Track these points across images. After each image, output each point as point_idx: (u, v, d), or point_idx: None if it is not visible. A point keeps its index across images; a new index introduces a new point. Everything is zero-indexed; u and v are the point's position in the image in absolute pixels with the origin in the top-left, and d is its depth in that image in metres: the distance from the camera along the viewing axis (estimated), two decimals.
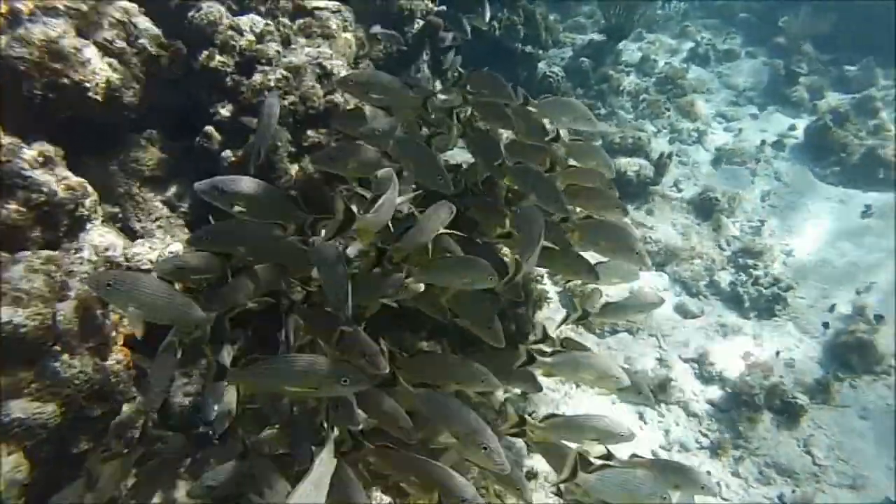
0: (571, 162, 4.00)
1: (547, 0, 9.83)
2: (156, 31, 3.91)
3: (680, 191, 7.40)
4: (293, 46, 4.35)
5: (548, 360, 3.32)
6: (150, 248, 3.68)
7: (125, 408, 3.27)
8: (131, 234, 3.80)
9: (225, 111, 4.03)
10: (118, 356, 3.20)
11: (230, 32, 4.06)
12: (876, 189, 7.55)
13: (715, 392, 5.29)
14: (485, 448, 2.53)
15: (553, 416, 3.38)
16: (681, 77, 9.44)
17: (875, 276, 6.36)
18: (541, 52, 8.37)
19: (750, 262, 6.45)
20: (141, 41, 3.80)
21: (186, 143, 4.01)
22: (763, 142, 8.37)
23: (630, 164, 6.85)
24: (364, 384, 2.45)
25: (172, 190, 4.05)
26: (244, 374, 2.46)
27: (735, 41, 10.85)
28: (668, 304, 6.08)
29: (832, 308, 6.07)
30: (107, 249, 3.42)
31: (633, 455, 3.33)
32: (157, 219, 3.98)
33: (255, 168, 3.28)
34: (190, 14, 4.11)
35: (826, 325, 5.87)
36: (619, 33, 9.29)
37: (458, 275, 3.00)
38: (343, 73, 4.43)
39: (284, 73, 4.05)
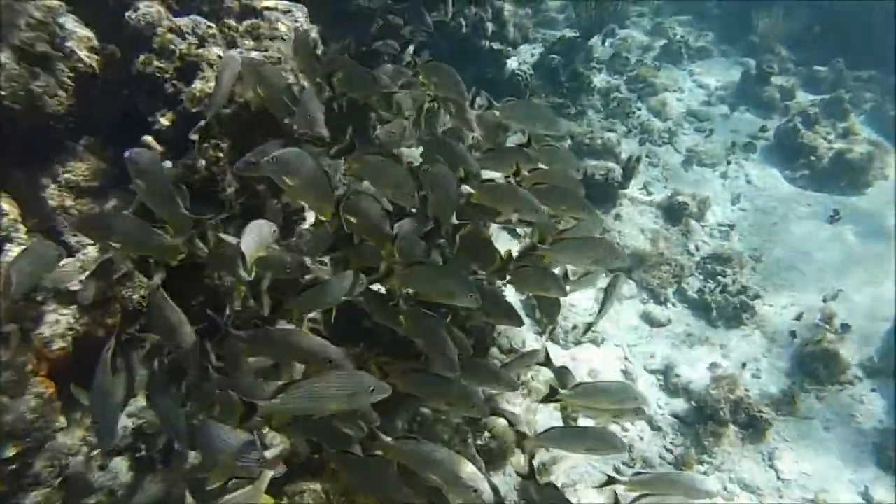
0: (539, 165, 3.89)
1: None
2: (86, 32, 3.64)
3: (649, 194, 7.28)
4: (239, 50, 4.10)
5: (568, 392, 3.31)
6: (82, 266, 3.45)
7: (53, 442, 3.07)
8: (67, 250, 3.55)
9: (164, 120, 3.79)
10: (39, 389, 2.98)
11: (169, 36, 3.81)
12: (844, 193, 7.52)
13: (680, 405, 5.21)
14: (475, 490, 2.56)
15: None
16: (652, 75, 9.31)
17: (842, 282, 6.32)
18: (509, 49, 8.17)
19: (718, 268, 6.36)
20: (68, 44, 3.53)
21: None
22: (734, 143, 8.29)
23: (598, 167, 6.71)
24: (386, 391, 2.46)
25: (112, 202, 3.80)
26: (278, 405, 2.38)
27: (708, 39, 10.75)
28: (634, 312, 5.98)
29: (799, 316, 6.01)
30: None
31: (637, 473, 3.58)
32: None
33: (206, 123, 3.13)
34: (127, 14, 3.85)
35: (793, 333, 5.81)
36: (591, 30, 9.12)
37: (439, 288, 2.97)
38: (291, 78, 4.21)
39: None
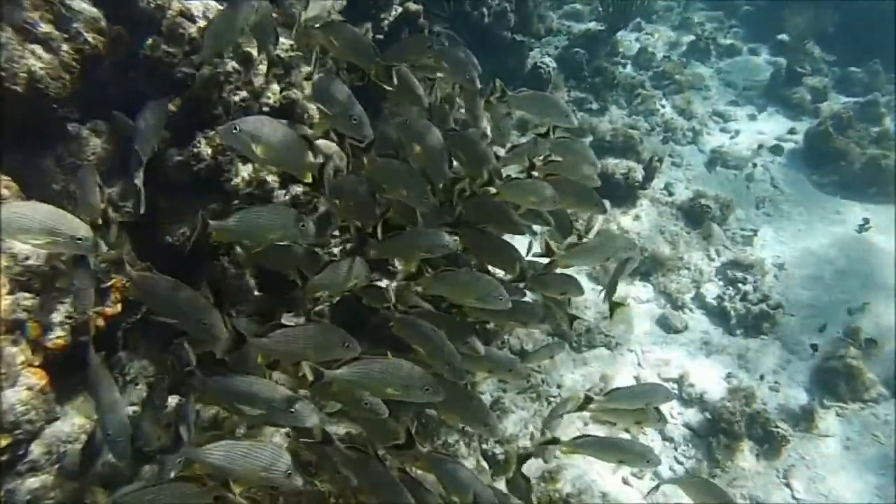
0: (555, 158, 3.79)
1: None
2: (94, 13, 3.53)
3: (671, 194, 7.07)
4: None
5: (603, 398, 3.37)
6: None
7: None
8: None
9: (171, 106, 3.69)
10: (30, 380, 2.91)
11: (179, 19, 3.70)
12: (875, 201, 7.23)
13: (694, 416, 5.04)
14: None
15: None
16: (679, 72, 9.04)
17: (869, 295, 6.06)
18: (532, 40, 7.96)
19: (739, 274, 6.15)
20: (74, 25, 3.43)
21: None
22: (761, 145, 8.02)
23: (619, 166, 6.51)
24: (439, 396, 2.54)
25: (117, 187, 3.72)
26: (343, 374, 2.49)
27: (737, 36, 10.43)
28: (649, 317, 5.80)
29: (822, 328, 5.79)
30: (27, 258, 3.10)
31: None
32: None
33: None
34: None
35: (815, 346, 5.60)
36: (616, 23, 8.86)
37: (470, 292, 3.02)
38: (304, 67, 4.10)
39: (236, 65, 3.70)
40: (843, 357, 5.35)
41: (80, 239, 2.46)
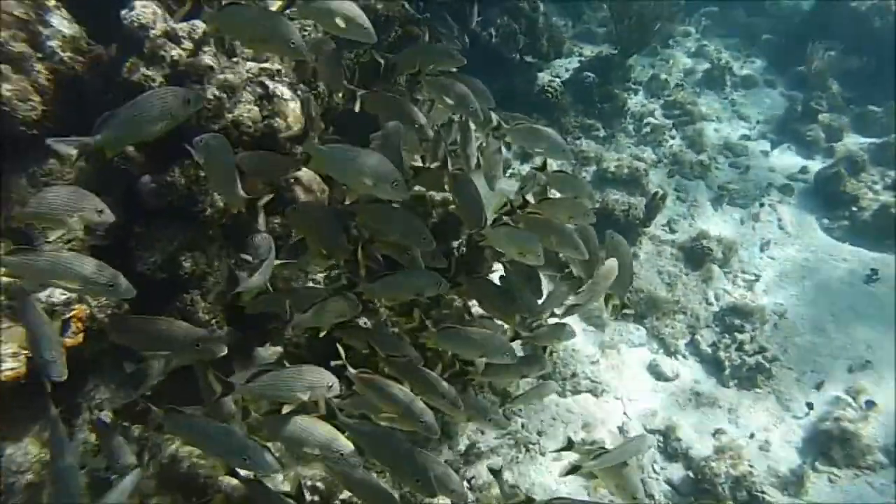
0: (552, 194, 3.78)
1: (557, 2, 9.24)
2: (72, 31, 3.41)
3: (673, 232, 6.86)
4: (235, 59, 3.84)
5: (593, 462, 3.34)
6: None
7: None
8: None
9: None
10: None
11: (160, 41, 3.56)
12: (885, 251, 6.95)
13: (677, 472, 4.85)
14: None
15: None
16: (691, 102, 8.81)
17: (872, 353, 5.82)
18: (542, 62, 7.79)
19: (737, 322, 5.94)
20: (49, 44, 3.31)
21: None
22: (770, 184, 7.78)
23: (619, 203, 6.31)
24: (430, 490, 2.58)
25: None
26: (348, 423, 2.64)
27: (754, 66, 10.18)
28: (640, 363, 5.61)
29: (820, 386, 5.56)
30: None
31: None
32: (69, 241, 3.54)
33: None
34: (122, 13, 3.62)
35: (810, 406, 5.38)
36: (630, 48, 8.65)
37: (475, 348, 3.10)
38: (287, 93, 3.95)
39: (216, 92, 3.56)
40: (839, 419, 5.12)
41: (111, 286, 2.44)
